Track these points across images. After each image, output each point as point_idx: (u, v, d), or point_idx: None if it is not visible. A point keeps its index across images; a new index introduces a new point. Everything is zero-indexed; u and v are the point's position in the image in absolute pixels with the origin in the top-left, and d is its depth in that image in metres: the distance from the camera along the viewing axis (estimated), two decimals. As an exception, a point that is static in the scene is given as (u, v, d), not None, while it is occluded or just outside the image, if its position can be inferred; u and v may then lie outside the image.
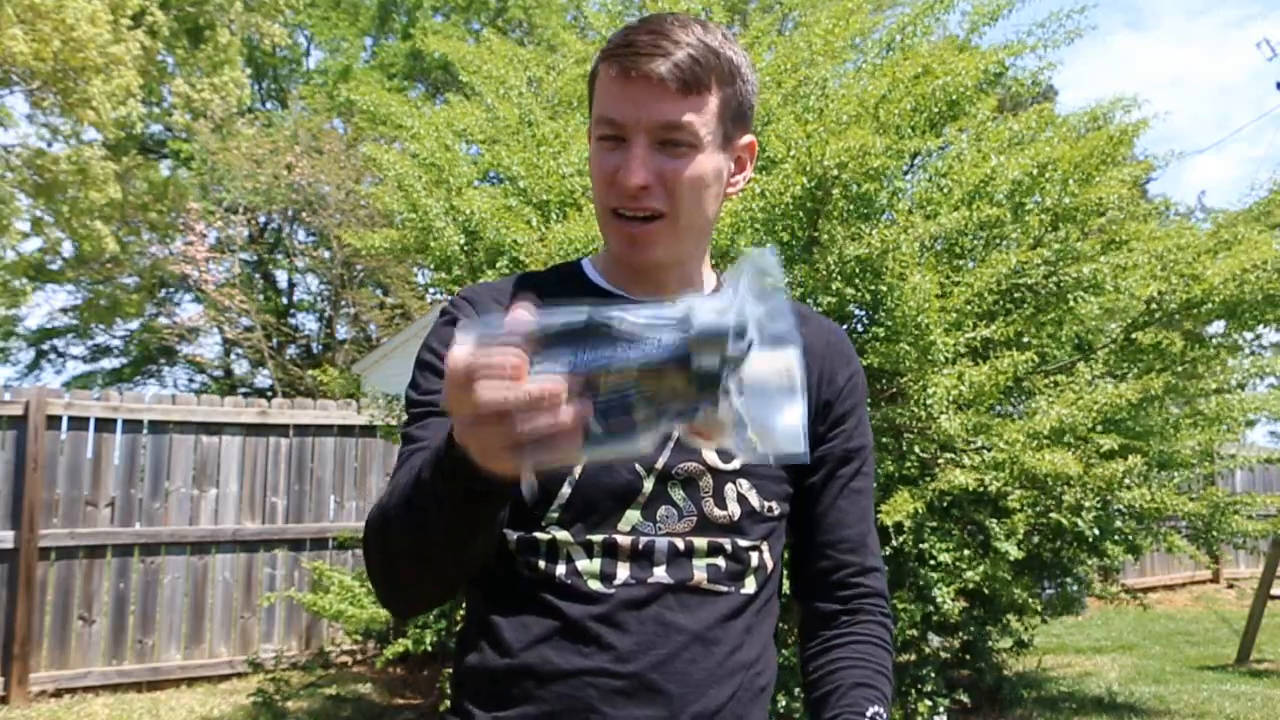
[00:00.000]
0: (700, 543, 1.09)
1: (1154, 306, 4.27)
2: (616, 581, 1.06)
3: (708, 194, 1.11)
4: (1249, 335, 4.59)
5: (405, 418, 1.14)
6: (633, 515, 1.08)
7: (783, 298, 0.72)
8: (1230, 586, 11.31)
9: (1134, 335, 4.41)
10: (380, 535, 1.02)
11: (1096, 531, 4.47)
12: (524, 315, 0.70)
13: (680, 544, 1.08)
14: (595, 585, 1.06)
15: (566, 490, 1.07)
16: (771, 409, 0.70)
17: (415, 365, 1.16)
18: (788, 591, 1.29)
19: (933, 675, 4.54)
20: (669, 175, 1.07)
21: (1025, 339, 4.26)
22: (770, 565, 1.15)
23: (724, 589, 1.10)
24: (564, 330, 0.67)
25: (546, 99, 5.10)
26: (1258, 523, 4.81)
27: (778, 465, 1.12)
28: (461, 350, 0.70)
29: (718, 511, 1.10)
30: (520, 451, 0.71)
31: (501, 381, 0.68)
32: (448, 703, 1.15)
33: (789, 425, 0.71)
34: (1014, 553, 4.15)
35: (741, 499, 1.11)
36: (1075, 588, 5.19)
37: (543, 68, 5.38)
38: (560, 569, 1.07)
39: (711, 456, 1.10)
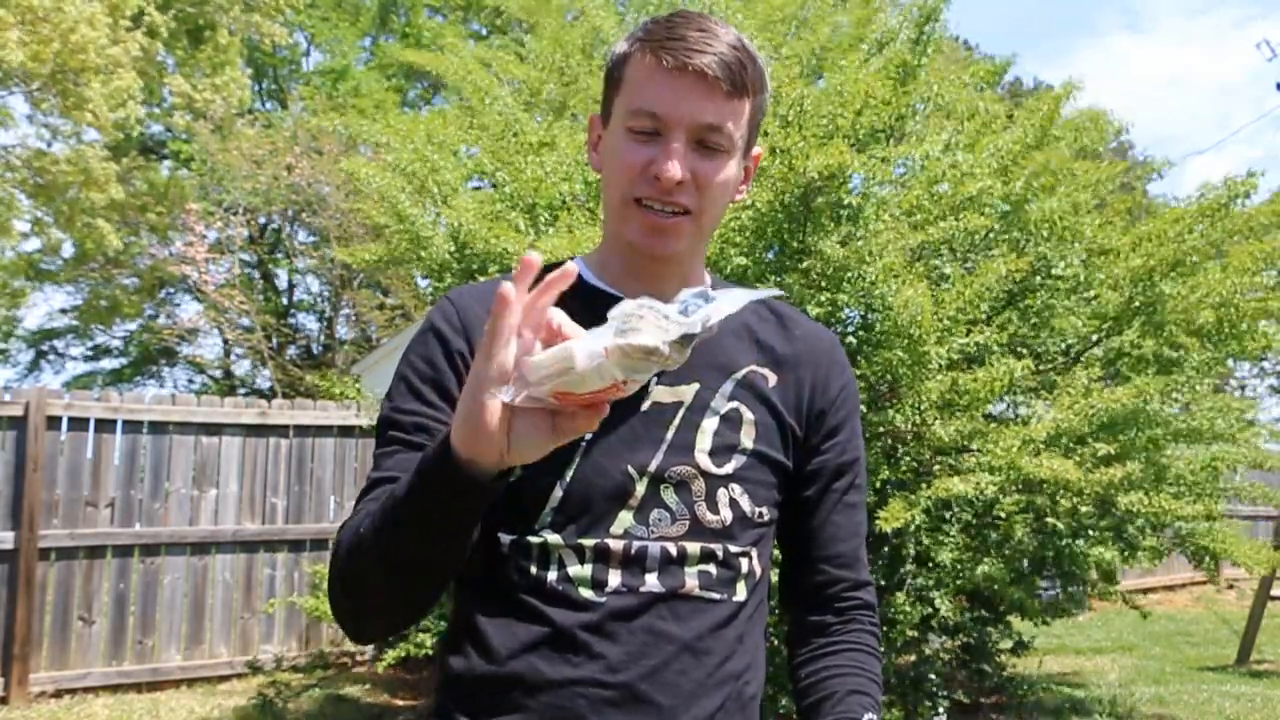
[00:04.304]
0: (692, 549, 1.08)
1: (1127, 317, 4.28)
2: (608, 589, 1.05)
3: (727, 197, 1.12)
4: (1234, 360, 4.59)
5: (377, 429, 1.13)
6: (625, 518, 1.07)
7: (709, 332, 0.80)
8: (1230, 587, 11.29)
9: (1104, 343, 4.42)
10: (353, 560, 1.01)
11: (1092, 535, 4.47)
12: None
13: (672, 550, 1.07)
14: (586, 593, 1.05)
15: (559, 492, 1.06)
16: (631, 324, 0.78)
17: (395, 376, 1.14)
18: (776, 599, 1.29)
19: (933, 675, 4.54)
20: (702, 175, 1.07)
21: (1016, 344, 4.27)
22: (759, 572, 1.14)
23: (716, 596, 1.09)
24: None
25: (526, 101, 5.07)
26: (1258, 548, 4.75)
27: (770, 469, 1.14)
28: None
29: (710, 516, 1.09)
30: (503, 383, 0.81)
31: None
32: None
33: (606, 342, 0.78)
34: (1002, 572, 4.15)
35: (733, 503, 1.10)
36: (1077, 589, 5.19)
37: (523, 70, 5.35)
38: (551, 575, 1.06)
39: (704, 461, 1.10)
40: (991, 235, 4.22)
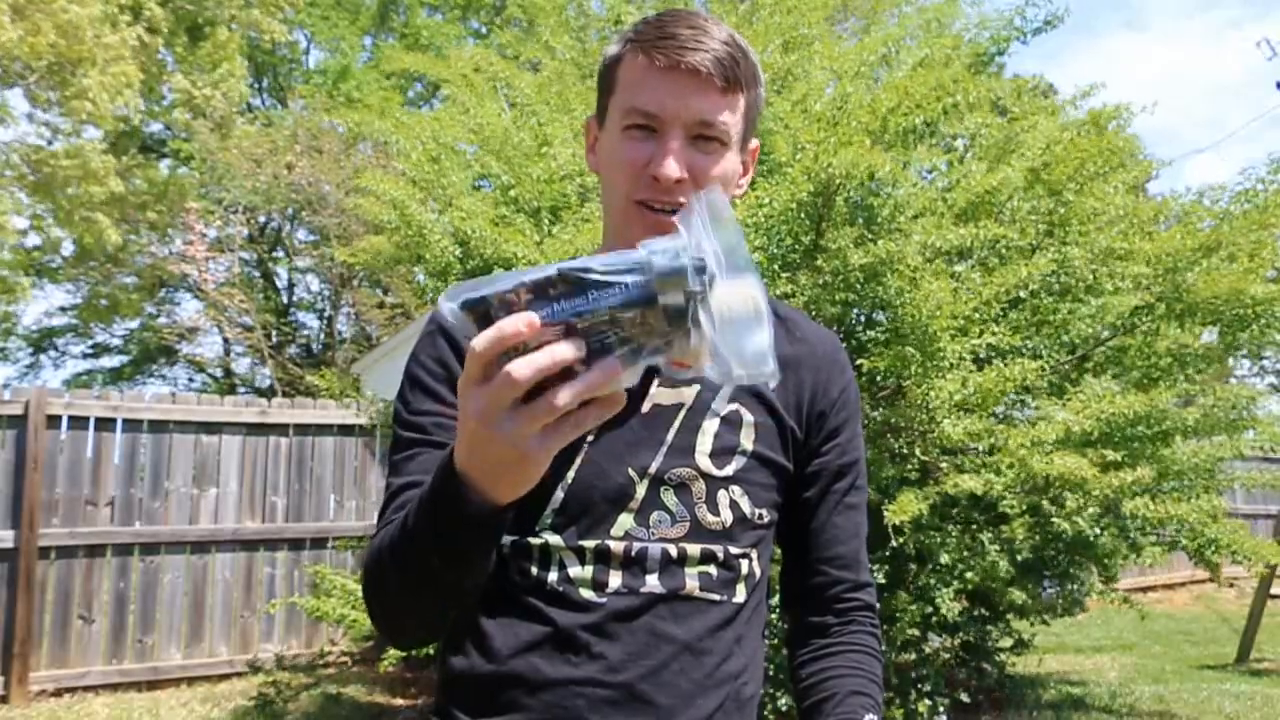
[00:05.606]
0: (693, 550, 1.08)
1: (1144, 313, 4.27)
2: (609, 590, 1.06)
3: (727, 192, 1.12)
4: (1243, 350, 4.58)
5: (394, 436, 1.12)
6: (626, 520, 1.07)
7: (737, 231, 0.74)
8: (1230, 586, 11.29)
9: (1122, 341, 4.42)
10: (379, 580, 1.01)
11: (1097, 530, 4.46)
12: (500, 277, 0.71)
13: (673, 550, 1.07)
14: (587, 594, 1.06)
15: (560, 494, 1.07)
16: (741, 334, 0.73)
17: (405, 377, 1.14)
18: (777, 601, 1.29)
19: (933, 675, 4.54)
20: (700, 171, 1.07)
21: (1030, 343, 4.26)
22: (759, 573, 1.15)
23: (716, 597, 1.09)
24: (536, 285, 0.69)
25: (525, 101, 5.07)
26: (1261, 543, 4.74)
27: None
28: (479, 341, 0.70)
29: (710, 517, 1.09)
30: (555, 432, 0.72)
31: (528, 356, 0.69)
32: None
33: (758, 348, 0.74)
34: (1006, 567, 4.15)
35: (734, 505, 1.11)
36: (1076, 589, 5.19)
37: (514, 72, 5.34)
38: (552, 575, 1.06)
39: (705, 462, 1.10)
40: (1010, 244, 4.21)
